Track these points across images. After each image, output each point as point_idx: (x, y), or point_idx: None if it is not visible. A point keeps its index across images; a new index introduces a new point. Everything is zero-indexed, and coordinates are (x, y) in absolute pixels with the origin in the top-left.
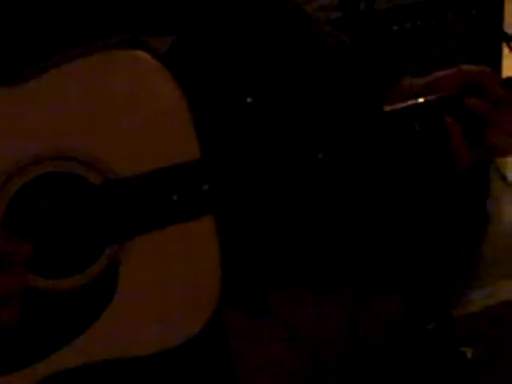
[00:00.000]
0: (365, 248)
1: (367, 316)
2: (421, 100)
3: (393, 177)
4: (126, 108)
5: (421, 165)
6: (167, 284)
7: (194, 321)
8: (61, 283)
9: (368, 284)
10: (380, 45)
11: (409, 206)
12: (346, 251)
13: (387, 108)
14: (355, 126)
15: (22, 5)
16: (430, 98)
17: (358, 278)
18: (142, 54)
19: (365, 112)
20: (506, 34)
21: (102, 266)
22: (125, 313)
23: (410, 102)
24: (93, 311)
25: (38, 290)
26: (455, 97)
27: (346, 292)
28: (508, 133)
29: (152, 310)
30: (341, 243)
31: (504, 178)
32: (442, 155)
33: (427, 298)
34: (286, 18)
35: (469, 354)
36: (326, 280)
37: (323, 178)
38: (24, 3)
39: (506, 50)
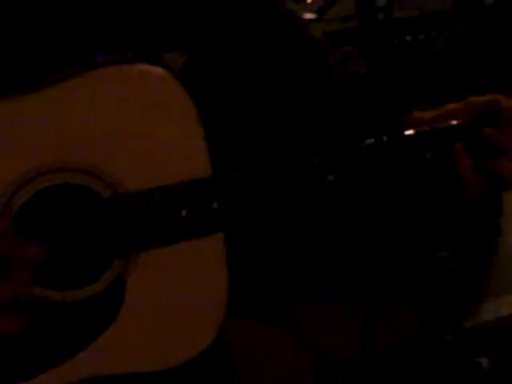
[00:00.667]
0: (376, 261)
1: (380, 327)
2: (432, 128)
3: (400, 197)
4: (137, 122)
5: (428, 190)
6: (174, 300)
7: (198, 340)
8: (69, 295)
9: (380, 295)
10: (390, 74)
11: (418, 220)
12: (355, 263)
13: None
14: (366, 150)
15: (35, 17)
16: (442, 125)
17: (370, 289)
18: (155, 69)
19: (385, 135)
20: None
21: (110, 280)
22: (130, 328)
23: (423, 129)
24: (99, 324)
25: (45, 302)
26: (467, 126)
27: (357, 303)
28: None
29: (157, 327)
30: (350, 255)
31: None
32: (451, 183)
33: (441, 309)
34: (290, 40)
35: (484, 365)
36: (337, 291)
37: (333, 198)
38: (37, 16)
39: None
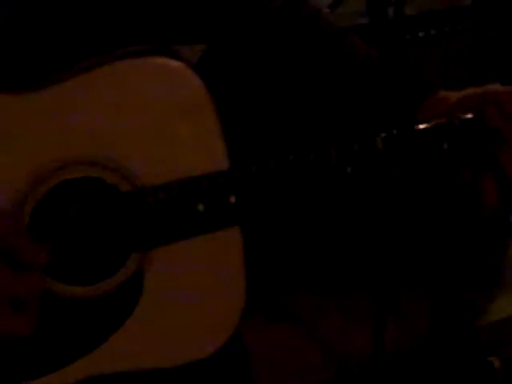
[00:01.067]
0: (390, 256)
1: (393, 324)
2: (447, 120)
3: (419, 190)
4: (154, 115)
5: (447, 183)
6: (191, 295)
7: (216, 335)
8: (84, 290)
9: (394, 291)
10: (409, 58)
11: (432, 217)
12: (371, 258)
13: (418, 126)
14: (384, 141)
15: (49, 11)
16: (459, 118)
17: (383, 286)
18: (173, 62)
19: (395, 128)
20: None
21: (127, 275)
22: (147, 324)
23: (439, 121)
24: (114, 321)
25: (60, 297)
26: (484, 117)
27: (371, 300)
28: None
29: (174, 322)
30: (366, 250)
31: None
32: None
33: (452, 307)
34: (314, 30)
35: (496, 364)
36: (351, 287)
37: (351, 191)
38: (51, 10)
39: None
